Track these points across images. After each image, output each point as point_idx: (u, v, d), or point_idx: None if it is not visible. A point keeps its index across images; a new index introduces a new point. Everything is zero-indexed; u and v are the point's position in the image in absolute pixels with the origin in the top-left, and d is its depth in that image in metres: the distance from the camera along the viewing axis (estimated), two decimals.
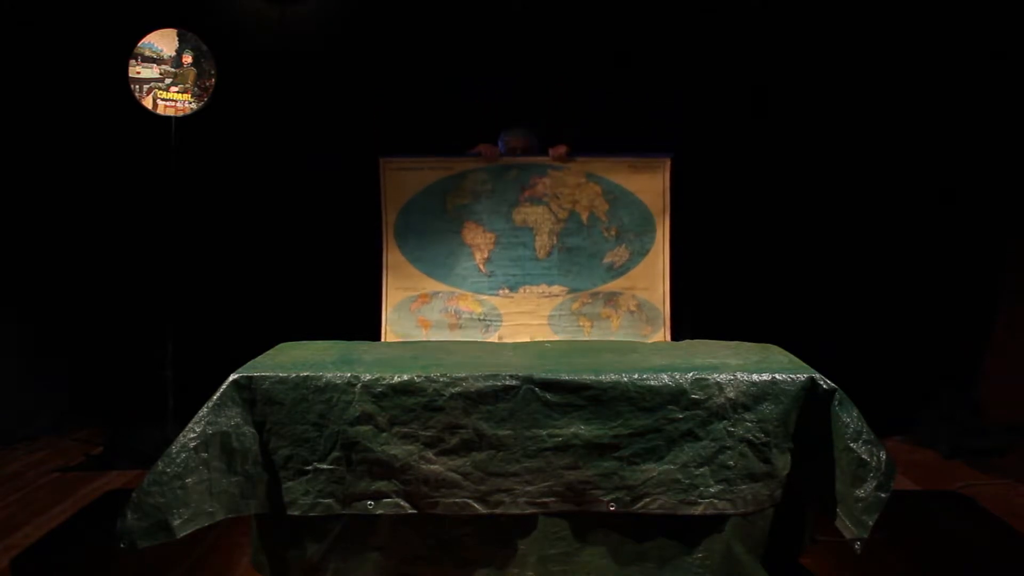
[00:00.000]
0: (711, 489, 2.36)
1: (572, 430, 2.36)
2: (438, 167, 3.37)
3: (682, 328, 3.98)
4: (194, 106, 3.96)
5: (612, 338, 3.20)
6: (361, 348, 2.75)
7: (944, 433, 4.11)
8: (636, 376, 2.38)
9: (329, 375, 2.38)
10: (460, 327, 3.24)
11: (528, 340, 3.13)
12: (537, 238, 3.31)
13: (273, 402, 2.36)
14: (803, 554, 2.57)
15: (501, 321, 3.25)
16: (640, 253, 3.31)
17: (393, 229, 3.32)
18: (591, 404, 2.36)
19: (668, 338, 3.24)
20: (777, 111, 4.59)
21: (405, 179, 3.35)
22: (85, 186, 4.54)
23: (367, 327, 3.22)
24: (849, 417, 2.30)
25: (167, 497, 2.19)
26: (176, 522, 2.20)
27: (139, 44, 3.89)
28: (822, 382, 2.36)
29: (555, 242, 3.32)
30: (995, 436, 4.12)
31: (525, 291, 3.28)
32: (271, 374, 2.38)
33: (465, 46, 4.58)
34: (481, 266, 3.30)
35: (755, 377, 2.38)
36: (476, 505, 2.37)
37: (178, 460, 2.23)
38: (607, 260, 3.31)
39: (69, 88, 4.40)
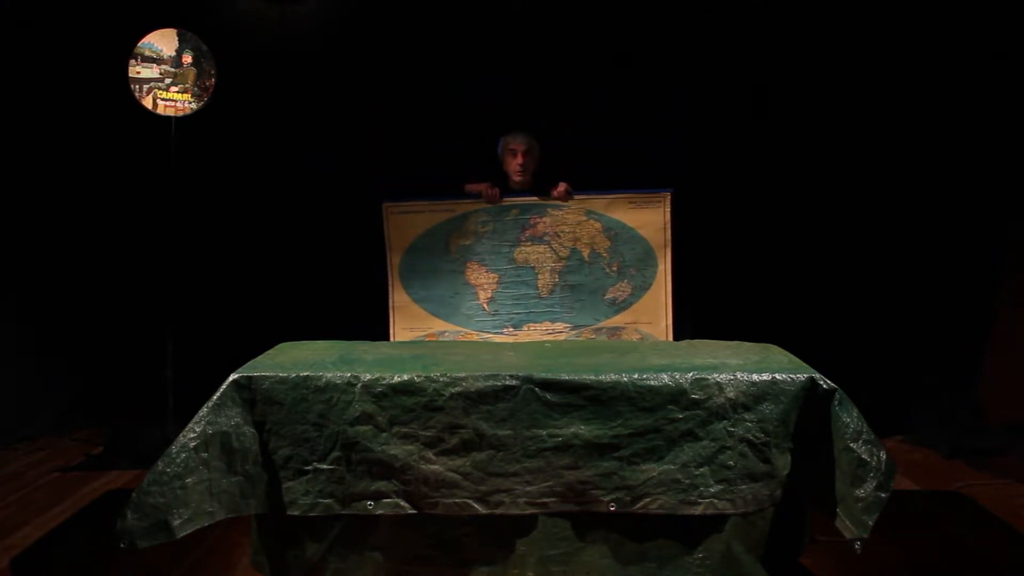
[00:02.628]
0: (711, 489, 2.36)
1: (572, 430, 2.36)
2: (440, 210, 3.48)
3: (682, 328, 3.99)
4: (194, 106, 3.96)
5: None
6: (361, 348, 2.75)
7: (944, 433, 4.11)
8: (636, 376, 2.38)
9: (329, 375, 2.38)
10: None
11: None
12: (539, 276, 3.41)
13: (273, 402, 2.36)
14: (803, 554, 2.56)
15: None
16: (642, 288, 3.41)
17: (398, 271, 3.45)
18: (591, 404, 2.36)
19: None
20: (777, 110, 4.59)
21: (408, 222, 3.46)
22: (85, 186, 4.54)
23: (367, 327, 3.23)
24: (849, 417, 2.30)
25: (167, 497, 2.19)
26: (176, 522, 2.20)
27: (139, 44, 3.89)
28: (822, 382, 2.36)
29: (557, 280, 3.41)
30: (995, 436, 4.12)
31: (529, 329, 3.39)
32: (271, 374, 2.38)
33: (465, 46, 4.58)
34: (485, 305, 3.41)
35: (755, 377, 2.38)
36: (476, 505, 2.37)
37: (178, 460, 2.23)
38: (609, 295, 3.41)
39: (69, 88, 4.40)
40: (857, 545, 2.20)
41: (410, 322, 3.42)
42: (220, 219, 4.67)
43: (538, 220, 3.42)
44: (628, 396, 2.36)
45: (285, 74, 4.58)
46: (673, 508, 2.37)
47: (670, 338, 3.37)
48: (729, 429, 2.36)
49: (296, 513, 2.37)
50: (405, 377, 2.37)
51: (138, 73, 3.89)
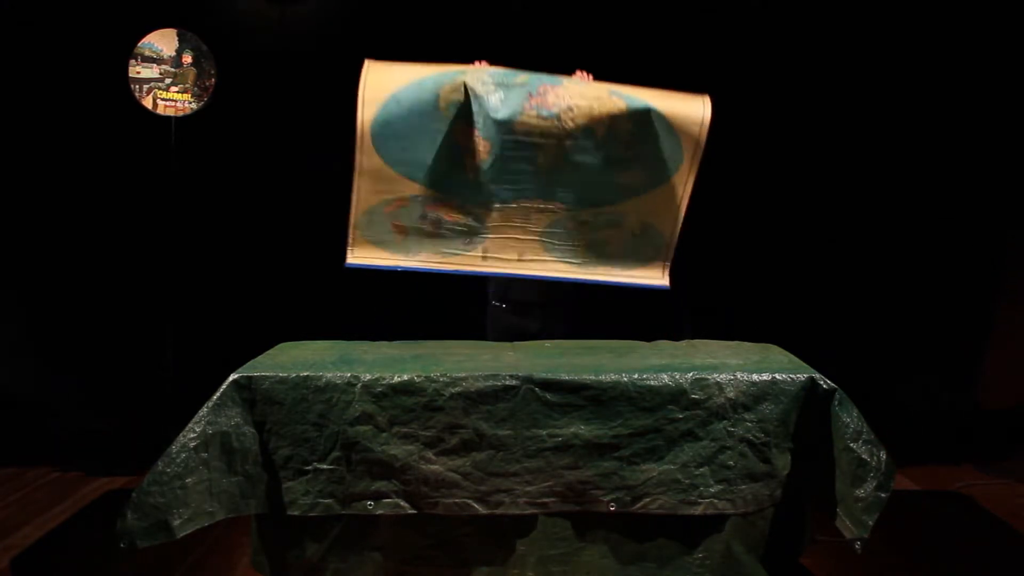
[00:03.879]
0: (711, 489, 2.36)
1: (572, 430, 2.36)
2: (433, 65, 2.85)
3: (682, 328, 3.98)
4: (194, 106, 3.96)
5: (606, 264, 2.90)
6: (361, 348, 2.75)
7: (944, 433, 4.11)
8: (636, 376, 2.38)
9: (329, 375, 2.38)
10: (440, 236, 2.86)
11: (516, 257, 2.88)
12: (540, 154, 2.80)
13: (273, 402, 2.36)
14: (803, 554, 2.56)
15: (487, 233, 2.87)
16: (658, 181, 2.85)
17: (369, 127, 2.76)
18: (591, 404, 2.36)
19: (665, 274, 2.96)
20: (777, 110, 4.59)
21: (390, 74, 2.78)
22: (86, 186, 4.54)
23: (367, 327, 3.22)
24: (849, 417, 2.31)
25: (167, 497, 2.20)
26: (176, 522, 2.20)
27: (139, 44, 3.90)
28: (822, 382, 2.37)
29: (561, 157, 2.81)
30: (995, 436, 4.12)
31: (518, 204, 2.85)
32: (271, 374, 2.38)
33: (465, 46, 4.58)
34: (472, 174, 2.80)
35: (755, 377, 2.38)
36: (476, 505, 2.37)
37: (178, 460, 2.23)
38: (619, 180, 2.85)
39: (70, 88, 4.39)
40: (857, 545, 2.20)
41: (379, 184, 2.80)
42: (220, 219, 4.66)
43: (549, 89, 2.81)
44: (628, 396, 2.36)
45: (285, 74, 4.58)
46: (673, 508, 2.37)
47: (674, 237, 2.92)
48: (729, 429, 2.37)
49: (296, 513, 2.37)
50: (405, 377, 2.37)
51: (138, 73, 3.89)
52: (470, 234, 2.86)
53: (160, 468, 2.22)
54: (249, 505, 2.36)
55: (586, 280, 2.91)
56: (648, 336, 2.97)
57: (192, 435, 2.27)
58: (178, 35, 3.95)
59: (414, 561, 2.46)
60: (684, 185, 2.87)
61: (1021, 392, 4.21)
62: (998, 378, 4.34)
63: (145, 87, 3.90)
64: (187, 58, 3.95)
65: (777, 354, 2.65)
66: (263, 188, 4.66)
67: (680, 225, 2.91)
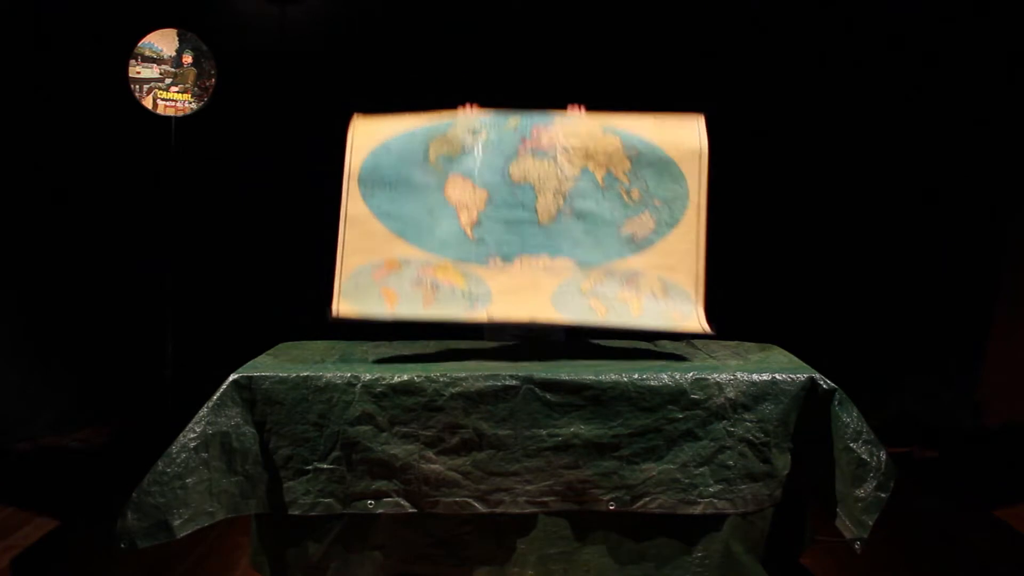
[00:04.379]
0: (711, 489, 2.36)
1: (572, 430, 2.36)
2: (422, 116, 2.75)
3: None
4: (194, 106, 3.96)
5: (633, 325, 2.57)
6: (361, 348, 2.76)
7: (944, 433, 4.11)
8: (636, 376, 2.38)
9: (329, 375, 2.38)
10: (437, 302, 2.56)
11: (527, 319, 2.57)
12: (540, 198, 2.63)
13: (273, 402, 2.36)
14: (803, 554, 2.56)
15: (490, 298, 2.57)
16: (668, 223, 2.63)
17: (357, 175, 2.64)
18: (591, 404, 2.36)
19: (703, 327, 2.59)
20: (778, 110, 4.59)
21: (378, 126, 2.72)
22: (86, 186, 4.54)
23: (367, 327, 3.22)
24: (849, 417, 2.31)
25: (167, 497, 2.20)
26: (176, 522, 2.20)
27: (139, 44, 3.90)
28: (822, 382, 2.37)
29: (562, 204, 2.63)
30: (995, 436, 4.12)
31: (522, 262, 2.59)
32: (271, 374, 2.38)
33: (465, 46, 4.58)
34: (468, 230, 2.61)
35: (755, 377, 2.38)
36: (476, 504, 2.37)
37: (178, 460, 2.23)
38: (627, 230, 2.63)
39: (70, 88, 4.40)
40: (857, 545, 2.21)
41: (365, 241, 2.60)
42: (220, 219, 4.66)
43: (542, 130, 2.67)
44: (628, 396, 2.36)
45: (285, 74, 4.58)
46: (672, 508, 2.37)
47: (700, 291, 2.62)
48: (729, 429, 2.37)
49: (296, 513, 2.37)
50: (405, 377, 2.37)
51: (138, 73, 3.89)
52: (471, 299, 2.57)
53: (160, 468, 2.22)
54: (249, 505, 2.36)
55: (613, 326, 2.58)
56: (648, 336, 2.97)
57: (192, 435, 2.27)
58: (178, 35, 3.95)
59: (414, 560, 2.46)
60: (697, 223, 2.64)
61: (1021, 392, 4.21)
62: (998, 378, 4.34)
63: (145, 87, 3.90)
64: (187, 58, 3.95)
65: (777, 354, 2.65)
66: (263, 188, 4.66)
67: (703, 277, 2.62)
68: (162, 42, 3.93)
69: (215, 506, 2.28)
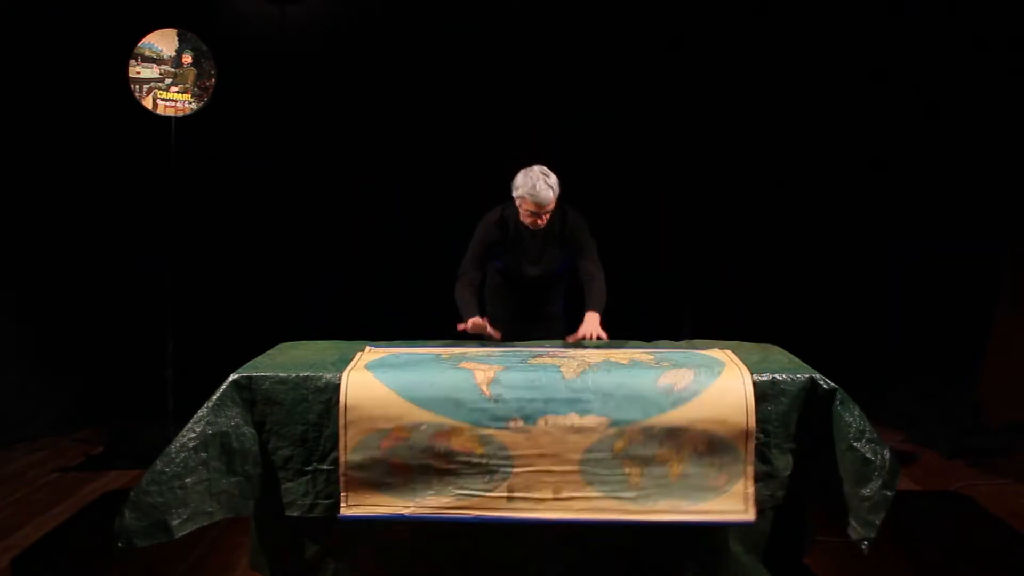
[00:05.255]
0: None
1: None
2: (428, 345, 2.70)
3: (682, 328, 3.98)
4: (194, 106, 3.96)
5: (668, 497, 2.31)
6: (361, 348, 2.75)
7: (944, 433, 4.11)
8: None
9: (329, 375, 2.37)
10: (453, 475, 2.32)
11: (551, 495, 2.31)
12: (564, 368, 2.41)
13: (273, 402, 2.36)
14: (806, 555, 2.56)
15: (512, 466, 2.31)
16: (710, 375, 2.37)
17: (364, 363, 2.46)
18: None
19: (751, 499, 2.31)
20: (779, 113, 4.59)
21: (388, 349, 2.64)
22: (86, 186, 4.54)
23: (367, 327, 3.22)
24: (851, 416, 2.30)
25: (166, 497, 2.19)
26: (175, 522, 2.20)
27: (139, 44, 3.89)
28: (822, 382, 2.36)
29: (587, 368, 2.40)
30: (995, 436, 4.12)
31: (546, 423, 2.30)
32: (271, 374, 2.38)
33: (465, 47, 4.58)
34: (484, 387, 2.34)
35: (755, 377, 2.38)
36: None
37: (177, 460, 2.23)
38: (664, 381, 2.35)
39: (70, 88, 4.40)
40: (864, 545, 2.19)
41: (369, 408, 2.31)
42: (220, 219, 4.66)
43: (562, 350, 2.65)
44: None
45: (285, 74, 4.58)
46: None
47: (750, 444, 2.30)
48: None
49: (296, 514, 2.37)
50: None
51: (138, 73, 3.89)
52: (491, 469, 2.31)
53: (159, 468, 2.22)
54: (248, 505, 2.36)
55: (646, 522, 2.32)
56: (648, 336, 2.97)
57: (192, 435, 2.27)
58: (178, 35, 3.94)
59: (413, 561, 2.45)
60: (741, 376, 2.35)
61: (1022, 392, 4.20)
62: (999, 378, 4.33)
63: (145, 87, 3.89)
64: (187, 58, 3.94)
65: (777, 354, 2.64)
66: (263, 188, 4.66)
67: (754, 427, 2.30)
68: (162, 42, 3.92)
69: (214, 506, 2.28)
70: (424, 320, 3.21)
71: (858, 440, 2.27)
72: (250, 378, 2.37)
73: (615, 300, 3.01)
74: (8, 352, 4.30)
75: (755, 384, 2.35)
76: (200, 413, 2.31)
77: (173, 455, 2.23)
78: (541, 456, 2.30)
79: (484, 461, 2.30)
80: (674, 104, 4.63)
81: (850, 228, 4.61)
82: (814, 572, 2.64)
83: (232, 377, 2.37)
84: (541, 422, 2.29)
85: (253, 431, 2.35)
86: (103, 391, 4.60)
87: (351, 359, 2.48)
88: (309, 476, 2.36)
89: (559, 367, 2.40)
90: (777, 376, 2.38)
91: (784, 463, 2.37)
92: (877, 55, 4.46)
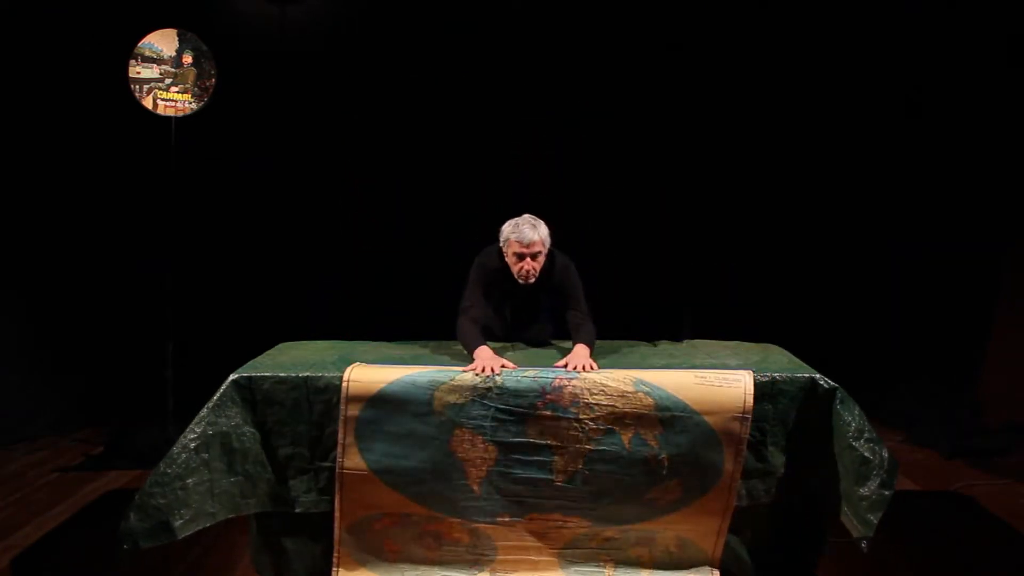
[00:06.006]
0: None
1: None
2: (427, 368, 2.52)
3: (682, 328, 3.97)
4: (194, 106, 3.95)
5: None
6: (361, 348, 2.75)
7: (944, 433, 4.11)
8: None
9: (329, 375, 2.38)
10: (441, 561, 2.48)
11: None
12: (558, 458, 2.40)
13: (274, 402, 2.36)
14: (823, 556, 2.55)
15: (496, 553, 2.47)
16: (697, 491, 2.41)
17: (354, 426, 2.39)
18: None
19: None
20: (780, 112, 4.59)
21: (380, 371, 2.45)
22: (86, 186, 4.54)
23: (368, 327, 3.22)
24: (851, 415, 2.31)
25: (168, 498, 2.20)
26: (178, 523, 2.20)
27: (139, 44, 3.89)
28: (822, 382, 2.37)
29: (581, 465, 2.41)
30: (995, 436, 4.12)
31: (531, 520, 2.44)
32: (271, 374, 2.38)
33: (464, 48, 4.58)
34: (475, 486, 2.41)
35: (756, 377, 2.38)
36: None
37: (179, 461, 2.23)
38: (650, 496, 2.42)
39: (70, 89, 4.39)
40: (864, 544, 2.20)
41: (364, 496, 2.39)
42: (220, 219, 4.66)
43: (565, 383, 2.40)
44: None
45: (285, 74, 4.58)
46: None
47: (718, 549, 2.46)
48: None
49: (298, 511, 2.37)
50: None
51: (138, 73, 3.88)
52: (476, 555, 2.47)
53: (162, 469, 2.23)
54: (249, 504, 2.36)
55: None
56: (649, 336, 2.97)
57: (193, 436, 2.27)
58: (178, 35, 3.94)
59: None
60: (728, 493, 2.40)
61: (1021, 392, 4.20)
62: (999, 378, 4.33)
63: (145, 87, 3.89)
64: (187, 58, 3.94)
65: (777, 354, 2.65)
66: (263, 188, 4.66)
67: (724, 537, 2.44)
68: (162, 42, 3.92)
69: (216, 506, 2.28)
70: (424, 320, 3.21)
71: (857, 439, 2.28)
72: (250, 378, 2.37)
73: (616, 300, 3.00)
74: (8, 352, 4.30)
75: (756, 384, 2.35)
76: (201, 414, 2.32)
77: (175, 456, 2.24)
78: (524, 547, 2.46)
79: (471, 550, 2.46)
80: (675, 104, 4.62)
81: (850, 228, 4.61)
82: (814, 572, 2.64)
83: (232, 377, 2.37)
84: (526, 518, 2.44)
85: (254, 431, 2.36)
86: (103, 391, 4.59)
87: (338, 400, 2.38)
88: (311, 474, 2.36)
89: (550, 463, 2.40)
90: (777, 376, 2.38)
91: (779, 461, 2.38)
92: (878, 55, 4.46)
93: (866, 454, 2.25)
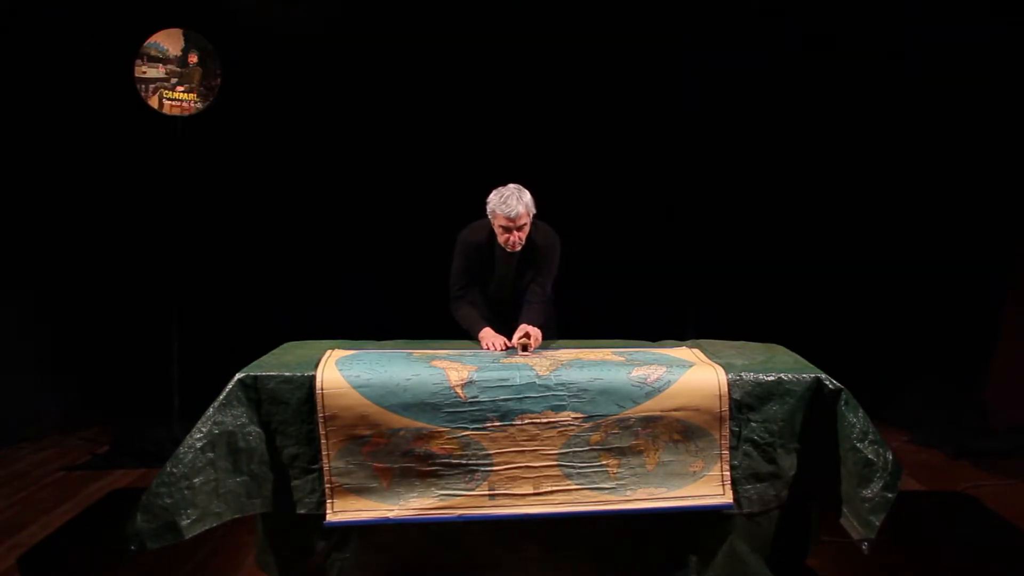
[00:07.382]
0: None
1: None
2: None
3: (687, 328, 3.97)
4: (200, 105, 3.96)
5: (646, 485, 2.39)
6: (365, 348, 2.75)
7: (950, 434, 4.10)
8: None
9: None
10: (435, 476, 2.37)
11: (531, 490, 2.38)
12: (536, 367, 2.46)
13: (279, 401, 2.36)
14: (809, 555, 2.56)
15: (492, 464, 2.38)
16: (680, 365, 2.46)
17: (335, 360, 2.46)
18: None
19: (727, 482, 2.38)
20: (784, 111, 4.58)
21: (358, 345, 2.65)
22: (92, 186, 4.56)
23: (371, 326, 3.22)
24: (855, 417, 2.30)
25: (175, 498, 2.20)
26: (184, 523, 2.21)
27: (145, 44, 3.90)
28: (828, 382, 2.36)
29: (560, 365, 2.47)
30: (1001, 437, 4.11)
31: (522, 421, 2.37)
32: (276, 373, 2.38)
33: (464, 48, 4.59)
34: (459, 390, 2.37)
35: (760, 377, 2.38)
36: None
37: (185, 460, 2.24)
38: (636, 374, 2.42)
39: (76, 89, 4.41)
40: (865, 545, 2.20)
41: (346, 417, 2.34)
42: (226, 218, 4.67)
43: (533, 354, 2.63)
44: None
45: (291, 73, 4.59)
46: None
47: (725, 429, 2.38)
48: (734, 429, 2.36)
49: (303, 511, 2.37)
50: None
51: (144, 73, 3.89)
52: (471, 469, 2.37)
53: (168, 469, 2.23)
54: (255, 504, 2.37)
55: (626, 511, 2.38)
56: (653, 335, 2.97)
57: (199, 435, 2.27)
58: (184, 35, 3.95)
59: (418, 560, 2.46)
60: (714, 368, 2.44)
61: None
62: (1005, 380, 4.33)
63: (151, 87, 3.90)
64: (193, 58, 3.95)
65: (782, 354, 2.64)
66: (269, 187, 4.67)
67: (728, 414, 2.37)
68: (168, 42, 3.93)
69: (222, 506, 2.29)
70: (425, 320, 3.22)
71: (861, 441, 2.27)
72: (255, 377, 2.37)
73: (620, 299, 3.00)
74: (15, 351, 4.31)
75: (759, 383, 2.35)
76: (207, 414, 2.32)
77: (181, 456, 2.24)
78: (520, 453, 2.37)
79: (464, 462, 2.36)
80: (680, 104, 4.62)
81: (856, 228, 4.61)
82: (816, 572, 2.64)
83: (238, 376, 2.38)
84: (517, 420, 2.36)
85: (259, 430, 2.36)
86: (109, 390, 4.61)
87: (318, 362, 2.43)
88: (315, 474, 2.36)
89: (532, 366, 2.45)
90: (783, 376, 2.38)
91: (789, 463, 2.37)
92: (883, 55, 4.45)
93: (870, 456, 2.24)
